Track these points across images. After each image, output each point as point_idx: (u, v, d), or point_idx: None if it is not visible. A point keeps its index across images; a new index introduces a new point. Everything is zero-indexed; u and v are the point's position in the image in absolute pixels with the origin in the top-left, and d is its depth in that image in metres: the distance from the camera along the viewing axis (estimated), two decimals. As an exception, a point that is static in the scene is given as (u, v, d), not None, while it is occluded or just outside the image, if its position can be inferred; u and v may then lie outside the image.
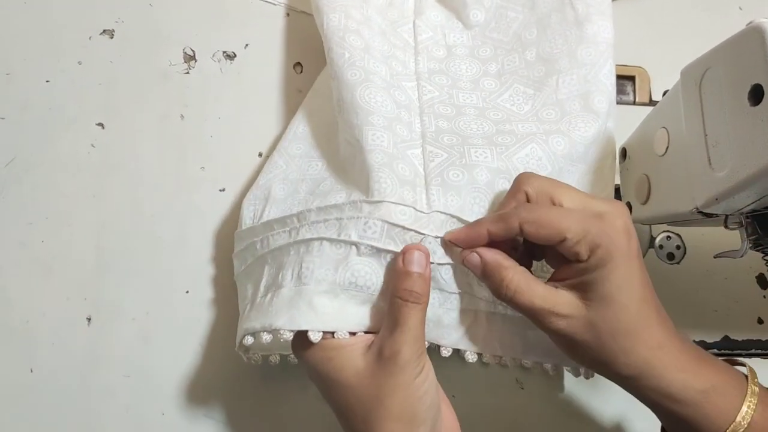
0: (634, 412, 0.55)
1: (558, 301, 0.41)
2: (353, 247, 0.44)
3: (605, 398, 0.55)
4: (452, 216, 0.45)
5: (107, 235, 0.54)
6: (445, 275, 0.45)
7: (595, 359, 0.42)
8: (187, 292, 0.54)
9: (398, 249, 0.44)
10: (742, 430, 0.39)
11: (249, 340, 0.44)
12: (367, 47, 0.52)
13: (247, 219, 0.51)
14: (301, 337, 0.42)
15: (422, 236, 0.44)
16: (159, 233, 0.55)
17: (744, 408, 0.39)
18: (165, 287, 0.54)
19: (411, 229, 0.44)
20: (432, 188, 0.46)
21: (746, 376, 0.42)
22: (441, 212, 0.45)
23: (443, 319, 0.47)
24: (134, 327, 0.53)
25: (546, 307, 0.40)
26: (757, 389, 0.41)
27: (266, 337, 0.43)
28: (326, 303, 0.43)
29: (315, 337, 0.42)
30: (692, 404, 0.40)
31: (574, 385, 0.56)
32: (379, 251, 0.44)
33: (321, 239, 0.44)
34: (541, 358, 0.49)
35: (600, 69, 0.52)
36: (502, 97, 0.54)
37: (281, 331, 0.42)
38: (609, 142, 0.52)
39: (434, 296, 0.46)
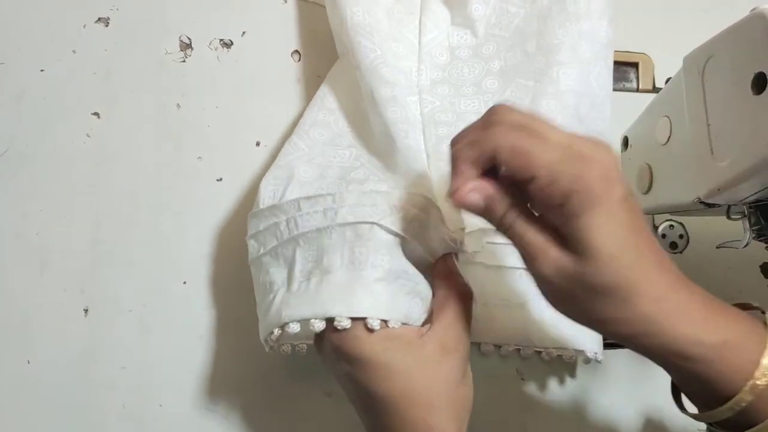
0: (633, 401, 0.54)
1: (550, 243, 0.36)
2: (403, 237, 0.43)
3: (606, 388, 0.55)
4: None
5: (104, 226, 0.54)
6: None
7: (590, 317, 0.37)
8: (185, 282, 0.53)
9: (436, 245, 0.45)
10: (762, 386, 0.35)
11: (295, 327, 0.42)
12: (389, 49, 0.53)
13: (267, 198, 0.48)
14: (336, 327, 0.41)
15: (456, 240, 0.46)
16: (156, 224, 0.54)
17: (764, 362, 0.35)
18: (162, 278, 0.53)
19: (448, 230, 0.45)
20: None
21: (765, 324, 0.37)
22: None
23: None
24: (132, 318, 0.52)
25: (536, 244, 0.36)
26: None
27: (318, 325, 0.41)
28: (383, 290, 0.42)
29: (374, 324, 0.40)
30: (704, 361, 0.35)
31: (575, 376, 0.55)
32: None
33: (371, 224, 0.43)
34: (539, 346, 0.50)
35: (591, 70, 0.52)
36: (503, 96, 0.54)
37: (338, 319, 0.41)
38: None
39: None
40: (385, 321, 0.41)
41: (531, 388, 0.55)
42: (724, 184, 0.38)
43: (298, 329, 0.42)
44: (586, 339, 0.50)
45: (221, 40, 0.58)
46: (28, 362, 0.51)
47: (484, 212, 0.38)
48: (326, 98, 0.54)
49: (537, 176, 0.34)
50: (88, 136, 0.55)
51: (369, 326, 0.40)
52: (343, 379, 0.42)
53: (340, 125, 0.53)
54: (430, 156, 0.51)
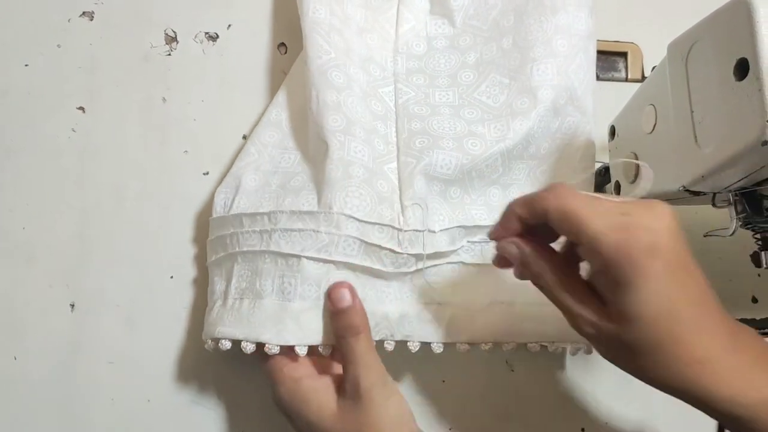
0: (624, 392, 0.54)
1: (587, 306, 0.38)
2: (332, 263, 0.46)
3: (596, 379, 0.55)
4: (427, 231, 0.48)
5: (90, 221, 0.53)
6: (424, 278, 0.50)
7: (633, 370, 0.39)
8: (172, 277, 0.53)
9: (379, 266, 0.47)
10: None
11: (227, 344, 0.46)
12: (348, 49, 0.53)
13: (218, 207, 0.51)
14: (270, 356, 0.46)
15: (397, 254, 0.48)
16: (142, 218, 0.54)
17: None
18: (149, 273, 0.53)
19: (386, 248, 0.47)
20: (405, 202, 0.49)
21: None
22: (414, 230, 0.48)
23: (422, 315, 0.50)
24: (118, 313, 0.52)
25: (575, 309, 0.38)
26: None
27: (249, 347, 0.45)
28: (312, 319, 0.46)
29: (302, 351, 0.45)
30: (744, 420, 0.36)
31: (564, 366, 0.55)
32: (355, 266, 0.47)
33: (300, 257, 0.46)
34: (528, 341, 0.50)
35: (570, 63, 0.52)
36: (478, 90, 0.54)
37: (268, 345, 0.45)
38: (575, 136, 0.53)
39: (407, 295, 0.50)
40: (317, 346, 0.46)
41: (521, 379, 0.55)
42: (708, 171, 0.38)
43: (230, 346, 0.46)
44: (573, 332, 0.50)
45: (207, 33, 0.58)
46: (15, 358, 0.51)
47: (521, 267, 0.41)
48: (281, 93, 0.55)
49: (581, 243, 0.36)
50: (73, 130, 0.54)
51: (297, 352, 0.46)
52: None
53: (293, 123, 0.53)
54: (400, 149, 0.51)
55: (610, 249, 0.35)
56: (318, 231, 0.46)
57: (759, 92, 0.33)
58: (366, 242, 0.47)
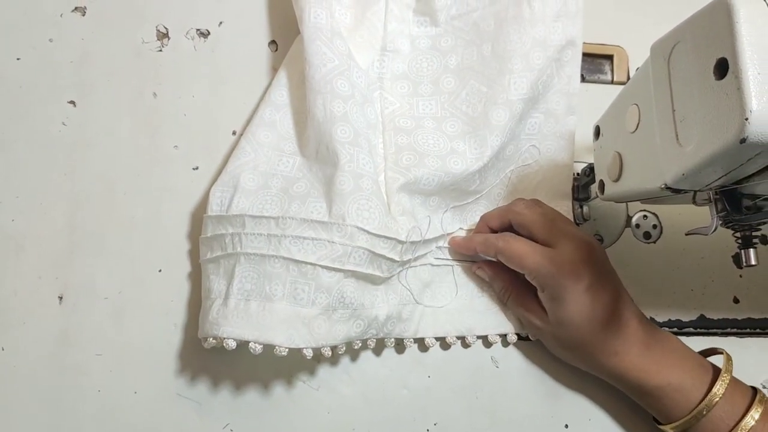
0: (608, 389, 0.55)
1: (533, 314, 0.53)
2: (342, 272, 0.48)
3: (579, 376, 0.55)
4: (421, 242, 0.53)
5: (79, 214, 0.54)
6: (402, 280, 0.54)
7: (567, 360, 0.54)
8: (160, 270, 0.54)
9: (378, 273, 0.50)
10: (702, 418, 0.47)
11: (232, 344, 0.46)
12: (350, 53, 0.54)
13: (215, 206, 0.51)
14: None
15: (396, 262, 0.51)
16: (132, 212, 0.54)
17: (704, 402, 0.47)
18: (138, 266, 0.53)
19: (389, 258, 0.50)
20: (396, 214, 0.51)
21: (713, 370, 0.50)
22: (413, 241, 0.52)
23: (402, 314, 0.53)
24: (107, 306, 0.53)
25: (525, 316, 0.54)
26: (725, 383, 0.48)
27: (258, 348, 0.46)
28: (322, 324, 0.47)
29: (308, 353, 0.47)
30: (651, 397, 0.50)
31: (548, 363, 0.56)
32: (358, 273, 0.49)
33: (315, 265, 0.47)
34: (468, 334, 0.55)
35: (542, 74, 0.55)
36: (459, 98, 0.56)
37: (277, 348, 0.46)
38: (544, 137, 0.58)
39: (392, 297, 0.52)
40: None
41: (505, 375, 0.56)
42: (689, 170, 0.38)
43: (235, 346, 0.47)
44: (509, 325, 0.56)
45: (198, 29, 0.58)
46: (2, 349, 0.51)
47: (491, 283, 0.56)
48: (274, 91, 0.55)
49: (526, 272, 0.51)
50: (64, 124, 0.55)
51: (305, 355, 0.47)
52: None
53: (286, 127, 0.54)
54: (387, 164, 0.53)
55: (546, 276, 0.49)
56: (332, 242, 0.47)
57: (738, 91, 0.34)
58: (373, 252, 0.49)
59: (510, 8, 0.55)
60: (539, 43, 0.55)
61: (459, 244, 0.56)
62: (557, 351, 0.54)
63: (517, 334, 0.56)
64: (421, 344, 0.55)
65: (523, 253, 0.50)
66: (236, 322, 0.47)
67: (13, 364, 0.51)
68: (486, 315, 0.56)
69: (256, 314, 0.47)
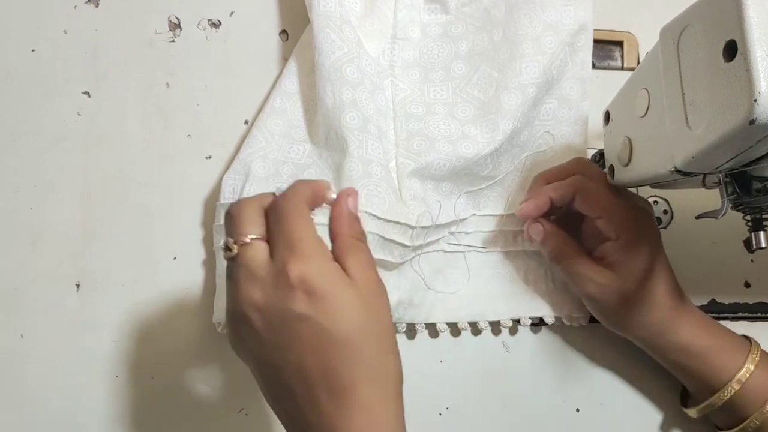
0: (618, 373, 0.55)
1: (596, 270, 0.50)
2: None
3: (590, 360, 0.56)
4: (434, 227, 0.53)
5: (95, 203, 0.54)
6: (415, 266, 0.54)
7: (619, 322, 0.52)
8: (175, 258, 0.54)
9: (390, 258, 0.51)
10: (745, 380, 0.49)
11: None
12: (359, 41, 0.54)
13: (227, 193, 0.52)
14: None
15: (407, 247, 0.51)
16: (146, 200, 0.55)
17: (746, 366, 0.49)
18: (153, 254, 0.54)
19: (400, 243, 0.51)
20: (407, 199, 0.52)
21: (750, 342, 0.52)
22: (423, 226, 0.52)
23: (413, 300, 0.53)
24: (123, 293, 0.53)
25: (586, 274, 0.51)
26: (757, 356, 0.50)
27: None
28: None
29: None
30: (699, 356, 0.50)
31: (559, 349, 0.56)
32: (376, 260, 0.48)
33: None
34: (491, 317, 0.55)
35: (555, 58, 0.55)
36: (470, 83, 0.56)
37: None
38: (558, 124, 0.58)
39: (403, 282, 0.53)
40: None
41: (516, 360, 0.56)
42: (699, 152, 0.38)
43: None
44: (522, 310, 0.56)
45: (210, 20, 0.58)
46: (21, 336, 0.52)
47: (542, 243, 0.53)
48: (285, 80, 0.55)
49: (602, 216, 0.50)
50: (78, 114, 0.56)
51: None
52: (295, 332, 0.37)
53: (296, 114, 0.55)
54: (399, 150, 0.53)
55: (622, 223, 0.50)
56: None
57: (746, 72, 0.34)
58: (384, 238, 0.49)
59: None
60: (551, 26, 0.55)
61: (528, 209, 0.52)
62: (611, 311, 0.52)
63: (530, 319, 0.56)
64: (432, 330, 0.55)
65: (604, 195, 0.50)
66: None
67: (32, 350, 0.52)
68: (498, 301, 0.56)
69: None
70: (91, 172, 0.55)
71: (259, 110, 0.56)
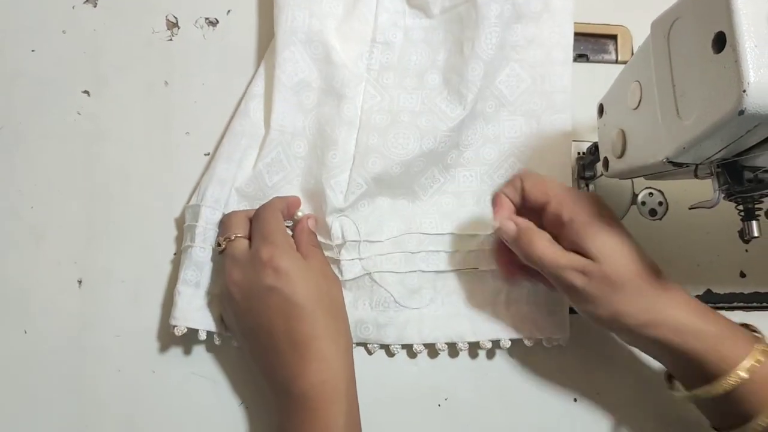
0: (615, 363, 0.55)
1: (576, 258, 0.47)
2: None
3: (587, 350, 0.56)
4: (363, 241, 0.54)
5: (96, 200, 0.55)
6: (378, 279, 0.54)
7: (607, 312, 0.46)
8: (175, 254, 0.55)
9: (338, 274, 0.54)
10: (753, 368, 0.43)
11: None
12: (328, 57, 0.55)
13: (194, 196, 0.55)
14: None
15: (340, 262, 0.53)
16: (146, 197, 0.56)
17: (751, 356, 0.43)
18: (153, 250, 0.55)
19: (333, 258, 0.53)
20: (351, 216, 0.55)
21: (754, 333, 0.47)
22: (353, 241, 0.54)
23: (379, 320, 0.54)
24: (124, 289, 0.54)
25: (569, 264, 0.47)
26: (762, 346, 0.44)
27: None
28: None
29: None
30: (706, 340, 0.44)
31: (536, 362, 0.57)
32: None
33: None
34: (470, 338, 0.54)
35: (499, 72, 0.57)
36: (440, 96, 0.57)
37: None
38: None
39: (365, 301, 0.54)
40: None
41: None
42: (689, 143, 0.39)
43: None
44: (502, 332, 0.55)
45: (207, 18, 0.59)
46: (25, 332, 0.53)
47: (515, 240, 0.49)
48: (255, 82, 0.57)
49: (550, 200, 0.49)
50: (78, 113, 0.56)
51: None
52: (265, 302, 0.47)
53: (258, 115, 0.56)
54: (355, 165, 0.54)
55: (571, 204, 0.48)
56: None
57: (735, 63, 0.35)
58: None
59: (492, 5, 0.56)
60: (524, 37, 0.58)
61: (498, 213, 0.51)
62: (598, 299, 0.46)
63: (511, 340, 0.55)
64: (410, 350, 0.55)
65: (547, 182, 0.51)
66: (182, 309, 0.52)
67: (36, 346, 0.53)
68: (477, 321, 0.55)
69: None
70: (92, 170, 0.56)
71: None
